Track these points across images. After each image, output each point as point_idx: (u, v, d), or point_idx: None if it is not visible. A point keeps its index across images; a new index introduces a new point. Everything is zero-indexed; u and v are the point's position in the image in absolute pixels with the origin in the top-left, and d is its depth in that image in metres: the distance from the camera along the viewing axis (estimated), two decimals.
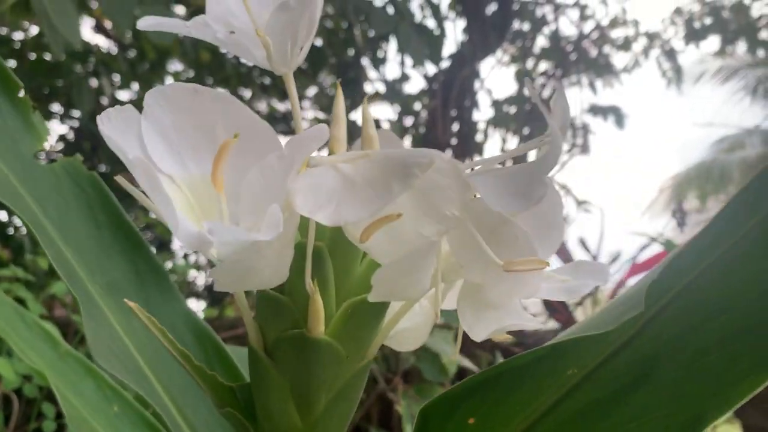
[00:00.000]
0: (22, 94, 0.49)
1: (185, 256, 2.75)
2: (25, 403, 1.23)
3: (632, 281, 2.17)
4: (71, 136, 2.56)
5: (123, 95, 2.70)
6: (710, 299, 0.34)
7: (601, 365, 0.36)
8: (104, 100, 2.46)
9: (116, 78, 2.61)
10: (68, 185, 0.48)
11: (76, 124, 2.51)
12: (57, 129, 2.55)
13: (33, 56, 2.24)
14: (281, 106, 3.03)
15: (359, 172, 0.27)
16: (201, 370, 0.38)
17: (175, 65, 2.83)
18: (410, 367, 1.79)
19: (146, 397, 0.45)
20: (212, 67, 2.62)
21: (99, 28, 2.36)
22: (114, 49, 2.52)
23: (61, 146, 2.50)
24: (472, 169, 0.32)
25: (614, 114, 3.29)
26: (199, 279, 2.86)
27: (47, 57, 2.17)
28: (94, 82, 2.42)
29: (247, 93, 2.94)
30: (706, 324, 0.34)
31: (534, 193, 0.28)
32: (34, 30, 2.22)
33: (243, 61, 2.80)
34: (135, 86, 2.63)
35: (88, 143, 2.54)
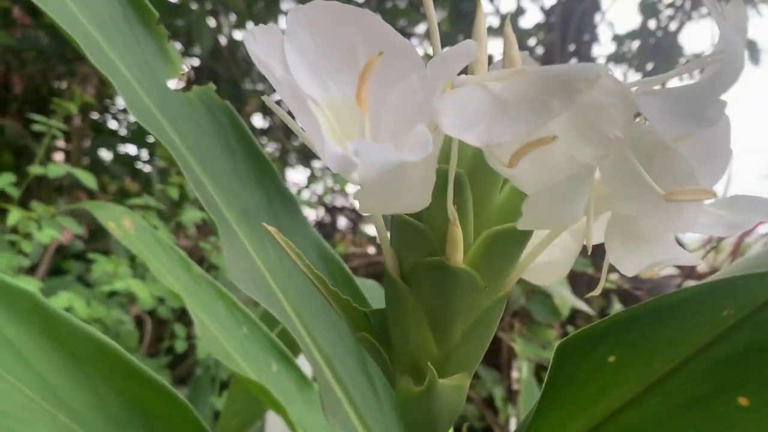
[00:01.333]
0: (158, 24, 0.50)
1: (298, 192, 2.82)
2: (158, 324, 1.32)
3: (762, 229, 2.03)
4: (192, 74, 2.65)
5: (239, 35, 2.75)
6: None
7: (764, 306, 0.33)
8: (222, 40, 2.53)
9: (233, 18, 2.66)
10: (203, 113, 0.49)
11: (196, 62, 2.59)
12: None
13: None
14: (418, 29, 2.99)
15: (511, 91, 0.26)
16: (336, 295, 0.38)
17: (290, 3, 2.86)
18: (519, 308, 1.77)
19: (279, 318, 0.46)
20: None
21: None
22: None
23: (182, 85, 2.60)
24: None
25: (749, 49, 3.04)
26: (310, 215, 2.93)
27: None
28: (212, 22, 2.48)
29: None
30: None
31: (708, 113, 0.25)
32: None
33: None
34: (250, 25, 2.68)
35: (208, 81, 2.63)
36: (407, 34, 2.92)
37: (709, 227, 0.34)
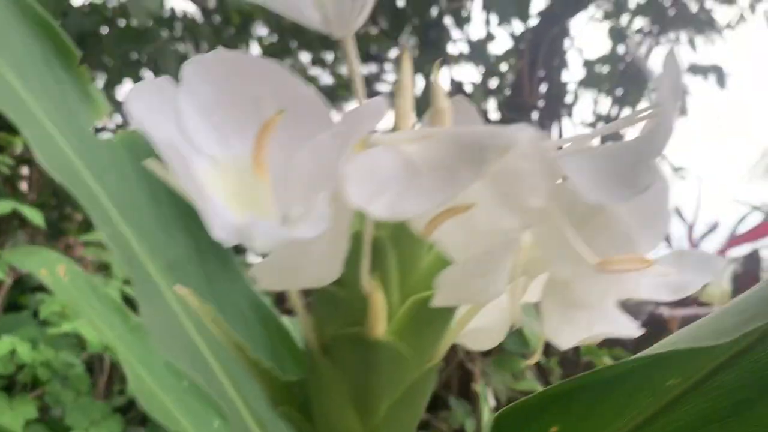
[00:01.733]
0: (80, 64, 0.47)
1: None
2: (111, 366, 1.27)
3: (731, 253, 2.04)
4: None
5: None
6: None
7: (712, 375, 0.31)
8: None
9: (205, 45, 2.63)
10: (127, 160, 0.46)
11: None
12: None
13: (123, 23, 2.29)
14: (365, 69, 2.99)
15: (423, 155, 0.23)
16: (256, 363, 0.35)
17: (260, 30, 2.84)
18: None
19: (204, 384, 0.43)
20: (295, 31, 2.61)
21: None
22: (199, 15, 2.54)
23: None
24: (561, 147, 0.27)
25: (715, 73, 3.08)
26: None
27: (135, 24, 2.21)
28: (182, 48, 2.45)
29: (329, 56, 2.91)
30: None
31: (639, 180, 0.23)
32: None
33: None
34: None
35: None
36: (381, 60, 2.91)
37: (652, 290, 0.31)
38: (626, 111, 2.88)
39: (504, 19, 1.80)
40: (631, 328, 0.29)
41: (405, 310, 0.30)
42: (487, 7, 1.72)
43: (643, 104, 2.98)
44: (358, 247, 0.28)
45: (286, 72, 0.27)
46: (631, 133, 0.28)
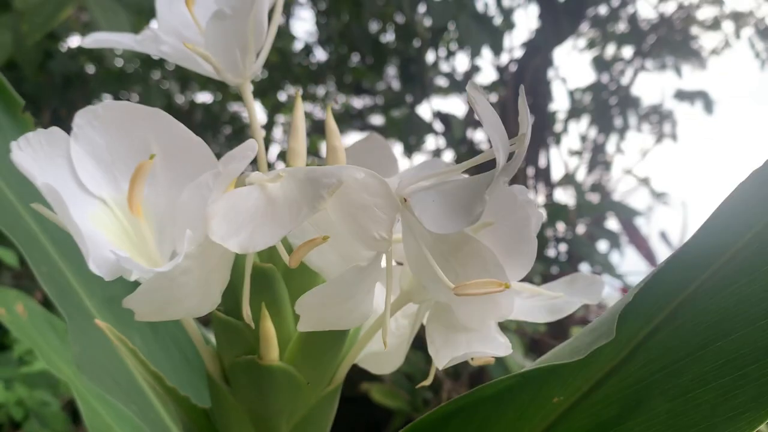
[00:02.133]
0: (23, 111, 0.49)
1: None
2: None
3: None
4: None
5: (202, 96, 2.77)
6: (708, 320, 0.30)
7: (591, 392, 0.33)
8: (180, 99, 2.54)
9: (194, 84, 2.67)
10: None
11: None
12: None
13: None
14: (359, 102, 3.03)
15: (282, 192, 0.25)
16: (173, 392, 0.36)
17: None
18: (476, 369, 1.75)
19: (139, 416, 0.44)
20: (281, 67, 2.65)
21: None
22: None
23: None
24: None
25: (702, 99, 3.11)
26: None
27: (122, 64, 2.25)
28: (166, 86, 2.49)
29: (320, 90, 2.95)
30: (703, 349, 0.30)
31: (471, 210, 0.25)
32: None
33: (313, 59, 2.82)
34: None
35: None
36: (372, 93, 2.96)
37: (530, 312, 0.33)
38: (612, 138, 2.91)
39: (476, 53, 1.83)
40: (505, 348, 0.31)
41: (297, 336, 0.32)
42: (462, 41, 1.76)
43: (630, 132, 3.01)
44: (255, 279, 0.30)
45: (169, 118, 0.30)
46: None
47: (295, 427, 0.33)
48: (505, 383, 0.32)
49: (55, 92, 1.78)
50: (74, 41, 2.14)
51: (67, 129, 0.29)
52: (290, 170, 0.25)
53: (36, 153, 0.27)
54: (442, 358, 0.31)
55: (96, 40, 0.33)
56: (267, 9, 0.32)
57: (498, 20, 2.00)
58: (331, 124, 0.35)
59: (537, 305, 0.33)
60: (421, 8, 2.01)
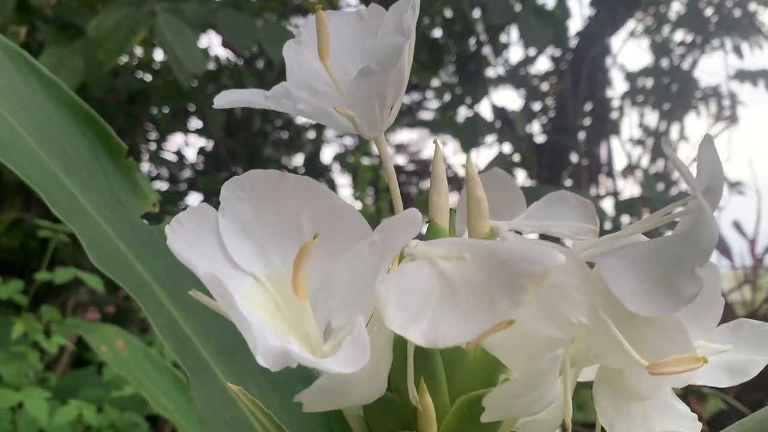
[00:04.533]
0: (126, 156, 0.48)
1: None
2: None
3: None
4: (209, 147, 2.67)
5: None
6: None
7: None
8: (237, 112, 2.56)
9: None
10: None
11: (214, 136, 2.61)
12: (196, 143, 2.68)
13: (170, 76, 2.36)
14: (407, 99, 3.01)
15: (460, 273, 0.23)
16: None
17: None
18: None
19: None
20: None
21: (226, 44, 2.44)
22: (242, 61, 2.60)
23: (201, 159, 2.63)
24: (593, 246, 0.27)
25: (765, 78, 2.99)
26: None
27: None
28: None
29: None
30: None
31: (683, 290, 0.22)
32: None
33: None
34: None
35: (226, 152, 2.65)
36: (423, 89, 2.93)
37: (711, 377, 0.30)
38: (675, 126, 2.82)
39: (541, 48, 1.79)
40: (690, 420, 0.28)
41: (454, 410, 0.30)
42: (524, 36, 1.71)
43: (689, 118, 2.91)
44: (403, 350, 0.28)
45: (319, 186, 0.28)
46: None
47: None
48: None
49: (120, 109, 1.80)
50: (134, 57, 2.17)
51: (133, 143, 0.27)
52: (470, 251, 0.23)
53: (187, 234, 0.26)
54: (619, 430, 0.28)
55: (228, 100, 0.31)
56: (408, 60, 0.30)
57: (555, 10, 1.94)
58: (472, 172, 0.32)
59: (716, 366, 0.30)
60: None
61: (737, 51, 2.95)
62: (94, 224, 0.45)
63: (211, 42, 3.14)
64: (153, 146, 2.40)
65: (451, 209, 0.34)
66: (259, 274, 0.27)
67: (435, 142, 0.32)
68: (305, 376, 0.49)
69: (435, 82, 2.84)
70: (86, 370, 1.41)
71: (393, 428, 0.30)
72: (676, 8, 3.01)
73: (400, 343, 0.29)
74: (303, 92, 0.31)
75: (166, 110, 2.32)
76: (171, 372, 0.66)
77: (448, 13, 2.44)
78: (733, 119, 2.92)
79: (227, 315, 0.24)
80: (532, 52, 2.56)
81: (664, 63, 2.89)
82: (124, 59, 2.13)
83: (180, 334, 0.45)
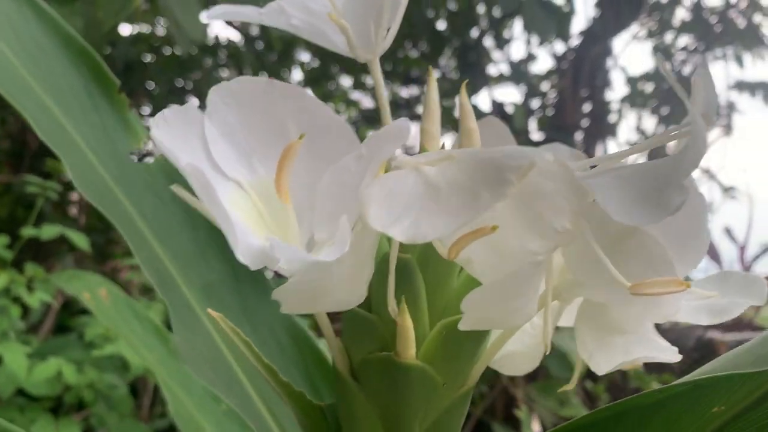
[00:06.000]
0: (119, 92, 0.48)
1: None
2: (154, 388, 1.29)
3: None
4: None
5: None
6: None
7: (758, 403, 0.29)
8: None
9: (249, 71, 2.68)
10: (164, 184, 0.47)
11: None
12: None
13: (168, 51, 2.35)
14: (406, 92, 3.00)
15: (444, 177, 0.23)
16: (287, 387, 0.34)
17: (302, 55, 2.87)
18: None
19: (239, 409, 0.42)
20: (334, 56, 2.63)
21: (228, 22, 2.43)
22: (242, 42, 2.59)
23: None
24: (592, 167, 0.27)
25: (764, 90, 3.00)
26: None
27: (180, 52, 2.26)
28: (225, 75, 2.50)
29: (370, 80, 2.93)
30: None
31: (669, 200, 0.22)
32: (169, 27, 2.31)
33: None
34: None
35: None
36: (422, 83, 2.92)
37: (692, 313, 0.30)
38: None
39: (545, 39, 1.78)
40: (671, 352, 0.28)
41: (435, 333, 0.29)
42: (528, 27, 1.71)
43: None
44: (386, 269, 0.28)
45: (309, 96, 0.27)
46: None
47: (428, 428, 0.31)
48: (669, 392, 0.29)
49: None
50: (134, 29, 2.16)
51: None
52: (456, 152, 0.23)
53: (172, 131, 0.25)
54: (599, 363, 0.28)
55: (220, 13, 0.31)
56: None
57: (563, 4, 1.94)
58: (466, 104, 0.32)
59: (698, 306, 0.30)
60: None
61: (739, 60, 2.95)
62: (80, 154, 0.45)
63: (212, 22, 3.12)
64: (148, 122, 2.39)
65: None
66: (243, 181, 0.27)
67: (429, 68, 0.32)
68: (288, 322, 0.49)
69: (434, 75, 2.83)
70: (68, 335, 1.40)
71: (371, 350, 0.30)
72: (681, 15, 3.01)
73: (382, 263, 0.29)
74: (298, 11, 0.31)
75: (163, 86, 2.31)
76: (153, 324, 0.65)
77: (452, 5, 2.44)
78: (728, 128, 2.93)
79: (208, 211, 0.24)
80: (534, 48, 2.56)
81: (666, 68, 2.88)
82: (123, 32, 2.11)
83: (163, 271, 0.45)
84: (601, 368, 0.28)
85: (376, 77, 0.32)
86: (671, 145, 0.28)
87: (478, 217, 0.21)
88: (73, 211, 2.36)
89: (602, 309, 0.29)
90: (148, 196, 0.46)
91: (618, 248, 0.27)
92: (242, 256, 0.23)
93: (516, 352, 0.33)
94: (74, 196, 2.35)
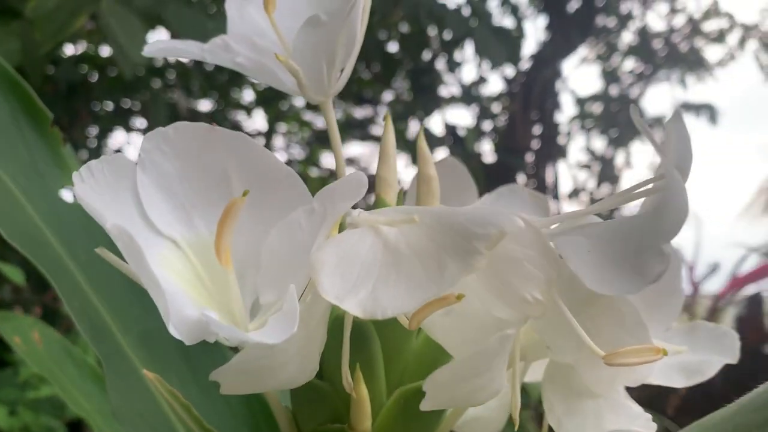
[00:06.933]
0: (52, 126, 0.44)
1: None
2: None
3: (732, 295, 2.00)
4: None
5: (204, 105, 2.71)
6: None
7: None
8: (183, 112, 2.49)
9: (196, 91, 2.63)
10: (100, 226, 0.43)
11: None
12: (139, 142, 2.59)
13: (114, 72, 2.28)
14: (359, 113, 2.98)
15: (406, 240, 0.20)
16: None
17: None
18: None
19: None
20: None
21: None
22: (191, 62, 2.54)
23: None
24: (554, 225, 0.25)
25: (707, 111, 3.09)
26: None
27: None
28: (174, 96, 2.44)
29: None
30: None
31: (648, 268, 0.20)
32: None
33: None
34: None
35: None
36: (375, 103, 2.91)
37: (666, 376, 0.28)
38: (620, 152, 2.88)
39: (496, 64, 1.79)
40: (644, 420, 0.26)
41: (392, 403, 0.27)
42: (480, 52, 1.71)
43: (636, 145, 2.98)
44: (338, 333, 0.25)
45: (254, 144, 0.25)
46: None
47: None
48: None
49: (59, 101, 1.73)
50: (78, 49, 2.09)
51: (71, 138, 0.24)
52: (419, 213, 0.20)
53: (99, 185, 0.23)
54: (568, 430, 0.26)
55: (160, 48, 0.28)
56: (361, 23, 0.27)
57: (513, 30, 1.96)
58: (424, 149, 0.30)
59: (670, 365, 0.28)
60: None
61: (682, 83, 3.04)
62: (7, 194, 0.41)
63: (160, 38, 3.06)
64: (93, 143, 2.32)
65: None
66: (180, 239, 0.24)
67: (386, 114, 0.30)
68: None
69: (388, 97, 2.83)
70: (4, 371, 1.32)
71: (323, 421, 0.27)
72: (627, 39, 3.09)
73: (335, 326, 0.26)
74: (244, 47, 0.28)
75: (108, 107, 2.24)
76: (92, 370, 0.61)
77: (404, 28, 2.44)
78: None
79: (137, 276, 0.21)
80: (485, 72, 2.57)
81: (613, 91, 2.95)
82: (67, 52, 2.05)
83: (97, 320, 0.41)
84: None
85: (329, 120, 0.29)
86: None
87: (443, 292, 0.18)
88: None
89: (570, 371, 0.27)
90: (82, 238, 0.43)
91: (587, 311, 0.25)
92: (175, 329, 0.21)
93: (480, 417, 0.30)
94: None
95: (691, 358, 0.29)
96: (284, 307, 0.20)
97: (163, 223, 0.24)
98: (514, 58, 1.84)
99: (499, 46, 1.62)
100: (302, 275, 0.22)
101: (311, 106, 2.95)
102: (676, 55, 3.06)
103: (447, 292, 0.20)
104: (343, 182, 0.22)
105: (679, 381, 0.28)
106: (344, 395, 0.27)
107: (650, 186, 0.23)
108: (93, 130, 2.35)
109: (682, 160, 0.23)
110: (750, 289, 1.94)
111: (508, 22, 2.04)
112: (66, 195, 0.45)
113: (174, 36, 2.30)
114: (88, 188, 0.22)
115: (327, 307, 0.22)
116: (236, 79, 2.75)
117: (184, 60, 2.48)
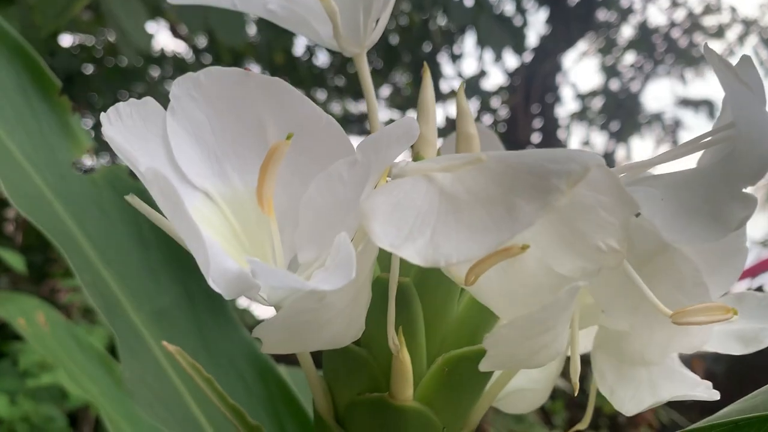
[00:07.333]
0: (60, 94, 0.43)
1: None
2: (95, 420, 1.21)
3: (737, 288, 1.99)
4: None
5: None
6: None
7: None
8: None
9: None
10: (111, 198, 0.42)
11: None
12: None
13: (111, 62, 2.26)
14: (355, 108, 2.97)
15: (465, 186, 0.19)
16: (257, 431, 0.30)
17: (252, 67, 2.81)
18: None
19: None
20: (286, 68, 2.59)
21: (175, 33, 2.36)
22: (190, 54, 2.52)
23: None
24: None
25: (706, 107, 3.09)
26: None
27: (125, 63, 2.18)
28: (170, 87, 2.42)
29: (321, 95, 2.89)
30: None
31: (731, 214, 0.18)
32: (113, 36, 2.23)
33: (316, 63, 2.76)
34: None
35: None
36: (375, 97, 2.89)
37: (722, 343, 0.27)
38: (621, 146, 2.87)
39: (499, 53, 1.77)
40: (705, 388, 0.24)
41: (435, 370, 0.25)
42: (482, 41, 1.70)
43: (635, 139, 2.97)
44: (379, 296, 0.23)
45: (291, 90, 0.23)
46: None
47: None
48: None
49: None
50: (76, 40, 2.07)
51: None
52: (474, 156, 0.19)
53: (127, 129, 0.21)
54: (623, 401, 0.24)
55: None
56: None
57: (517, 20, 1.94)
58: (464, 107, 0.28)
59: (726, 333, 0.27)
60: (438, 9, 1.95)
61: (682, 78, 3.03)
62: (14, 163, 0.39)
63: (158, 33, 3.04)
64: (92, 134, 2.29)
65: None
66: (213, 191, 0.23)
67: (425, 67, 0.28)
68: (251, 351, 0.44)
69: (386, 92, 2.82)
70: (2, 363, 1.30)
71: (360, 391, 0.25)
72: (627, 34, 3.08)
73: (375, 289, 0.24)
74: None
75: (106, 98, 2.22)
76: (97, 351, 0.59)
77: (404, 21, 2.42)
78: (675, 144, 3.00)
79: (172, 228, 0.19)
80: (486, 65, 2.56)
81: (614, 85, 2.94)
82: (64, 43, 2.02)
83: (109, 295, 0.39)
84: (627, 408, 0.24)
85: (363, 73, 0.28)
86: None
87: (514, 237, 0.17)
88: (10, 228, 2.24)
89: (622, 338, 0.25)
90: (92, 211, 0.41)
91: (645, 270, 0.23)
92: (215, 283, 0.19)
93: (523, 389, 0.29)
94: (11, 213, 2.23)
95: (746, 326, 0.27)
96: (339, 254, 0.18)
97: (195, 173, 0.22)
98: (519, 47, 1.82)
99: (503, 34, 1.61)
100: (347, 230, 0.20)
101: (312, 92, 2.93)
102: (675, 49, 3.06)
103: (514, 240, 0.18)
104: (391, 129, 0.21)
105: (736, 348, 0.26)
106: (383, 362, 0.25)
107: (717, 135, 0.22)
108: (89, 122, 2.33)
109: (759, 100, 0.21)
110: (750, 283, 1.93)
111: (509, 8, 2.02)
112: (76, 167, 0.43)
113: (174, 26, 2.28)
114: (118, 130, 0.20)
115: (374, 261, 0.21)
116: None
117: (182, 52, 2.46)
